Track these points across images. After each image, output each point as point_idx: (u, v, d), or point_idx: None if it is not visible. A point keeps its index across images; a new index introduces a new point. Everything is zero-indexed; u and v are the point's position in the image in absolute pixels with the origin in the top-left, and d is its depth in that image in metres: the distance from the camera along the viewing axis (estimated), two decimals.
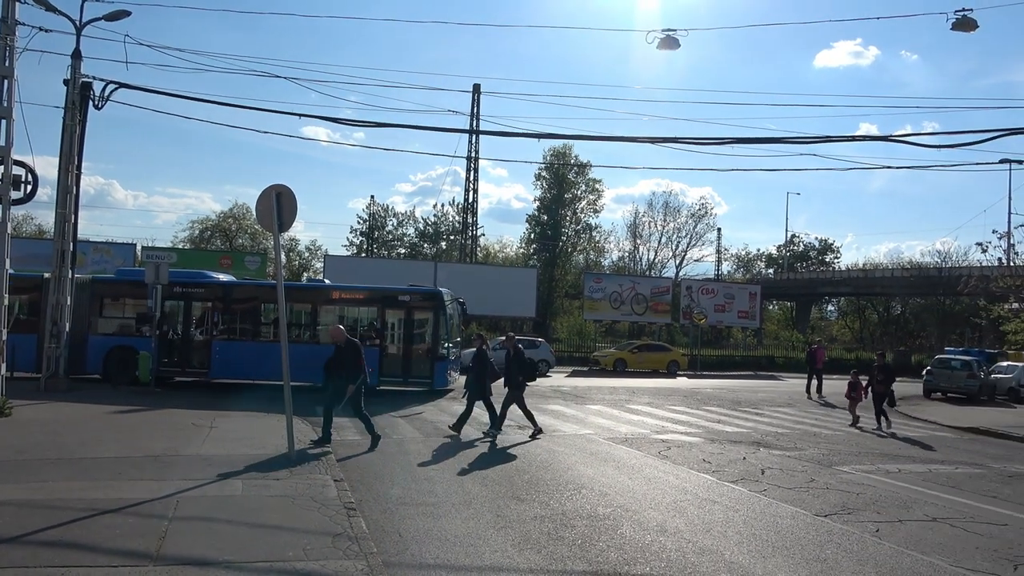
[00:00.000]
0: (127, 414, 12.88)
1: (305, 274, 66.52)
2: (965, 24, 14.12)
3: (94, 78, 16.52)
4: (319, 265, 68.63)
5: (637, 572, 5.71)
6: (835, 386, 28.89)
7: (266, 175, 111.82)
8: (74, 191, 16.63)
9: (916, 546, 6.72)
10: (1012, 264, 34.56)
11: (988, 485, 10.06)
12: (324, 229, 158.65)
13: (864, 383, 16.79)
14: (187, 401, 15.30)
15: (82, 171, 16.85)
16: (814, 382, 24.85)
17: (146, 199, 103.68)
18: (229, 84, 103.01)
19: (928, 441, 14.55)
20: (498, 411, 12.75)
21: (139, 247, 42.42)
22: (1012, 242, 35.29)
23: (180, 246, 58.87)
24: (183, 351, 18.97)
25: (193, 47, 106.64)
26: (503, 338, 14.38)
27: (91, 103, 16.52)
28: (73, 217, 16.65)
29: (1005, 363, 30.38)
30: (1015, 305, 33.33)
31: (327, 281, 20.39)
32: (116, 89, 16.55)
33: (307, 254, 71.15)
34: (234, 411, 13.70)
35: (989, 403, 24.74)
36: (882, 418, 16.08)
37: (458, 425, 12.56)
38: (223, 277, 21.16)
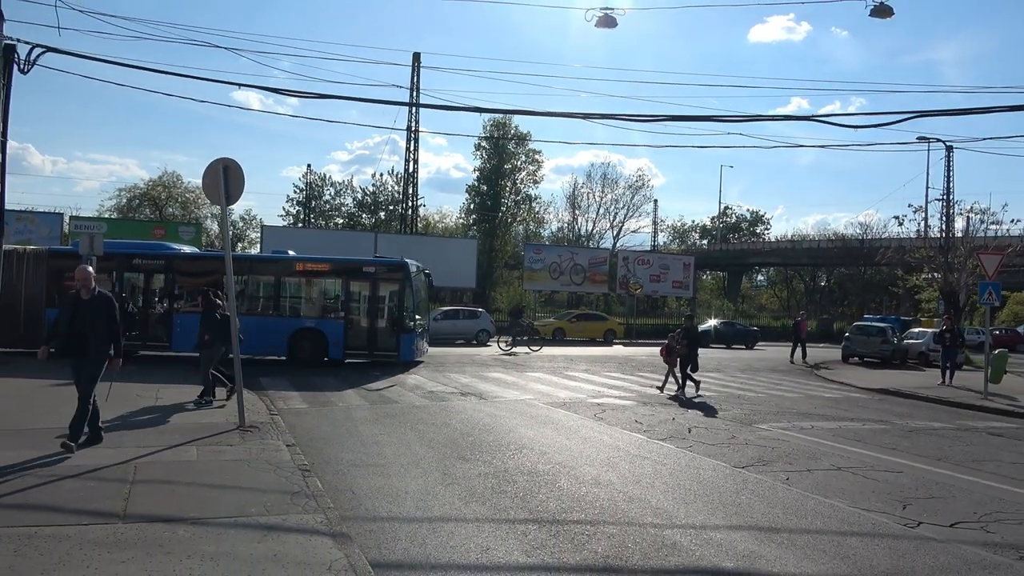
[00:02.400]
0: (70, 386, 12.81)
1: (239, 244, 65.24)
2: (883, 11, 14.99)
3: (19, 40, 16.01)
4: (254, 235, 67.35)
5: (573, 519, 6.29)
6: (752, 355, 30.44)
7: (195, 141, 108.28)
8: (1, 159, 16.16)
9: (821, 491, 7.52)
10: (927, 236, 36.72)
11: (890, 439, 11.08)
12: (258, 199, 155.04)
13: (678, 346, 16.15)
14: (129, 374, 15.23)
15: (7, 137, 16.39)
16: (798, 350, 27.30)
17: (65, 165, 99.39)
18: (160, 50, 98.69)
19: (842, 402, 15.68)
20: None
21: (66, 216, 40.92)
22: (926, 216, 37.47)
23: (107, 215, 56.94)
24: (143, 324, 18.73)
25: (123, 12, 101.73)
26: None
27: (16, 67, 16.02)
28: (1, 186, 16.21)
29: (917, 329, 32.43)
30: (930, 275, 35.46)
31: (291, 252, 20.17)
32: (43, 53, 16.09)
33: (241, 224, 69.71)
34: (177, 383, 13.76)
35: (901, 366, 26.49)
36: (678, 381, 15.80)
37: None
38: (186, 249, 20.93)
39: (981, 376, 17.73)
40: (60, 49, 16.55)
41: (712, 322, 38.34)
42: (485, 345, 29.85)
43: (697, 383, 15.75)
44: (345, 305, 19.06)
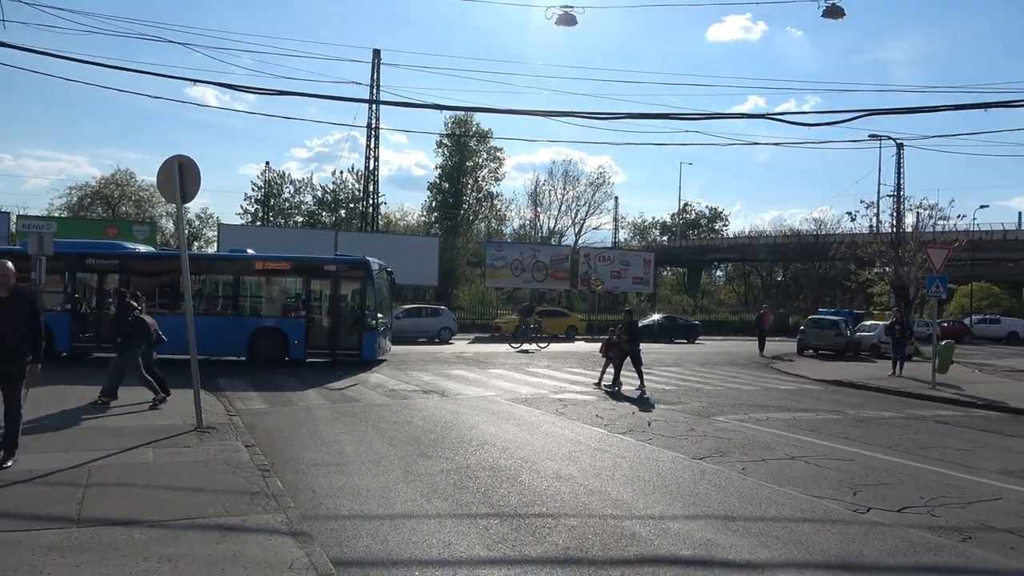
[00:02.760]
0: None
1: (196, 243, 64.00)
2: (834, 12, 15.37)
3: None
4: (211, 234, 66.16)
5: (535, 512, 6.36)
6: (711, 349, 30.95)
7: (149, 139, 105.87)
8: None
9: (775, 480, 7.72)
10: (878, 232, 37.68)
11: (842, 428, 11.39)
12: (215, 196, 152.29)
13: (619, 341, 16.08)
14: (82, 376, 14.91)
15: None
16: (763, 342, 28.54)
17: (12, 162, 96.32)
18: (113, 45, 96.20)
19: (796, 394, 16.06)
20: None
21: (13, 216, 39.70)
22: (878, 212, 38.45)
23: (57, 214, 55.38)
24: (98, 326, 18.27)
25: (74, 5, 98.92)
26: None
27: None
28: None
29: (869, 322, 33.29)
30: (882, 269, 36.40)
31: (250, 251, 19.84)
32: None
33: (198, 223, 68.42)
34: (131, 385, 13.47)
35: (854, 358, 27.16)
36: (613, 374, 15.82)
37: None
38: (141, 248, 20.49)
39: (929, 367, 18.31)
40: (4, 43, 16.17)
41: (655, 317, 38.75)
42: (448, 343, 29.82)
43: (641, 378, 15.55)
44: (306, 304, 18.84)
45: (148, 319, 11.21)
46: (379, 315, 19.21)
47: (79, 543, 4.94)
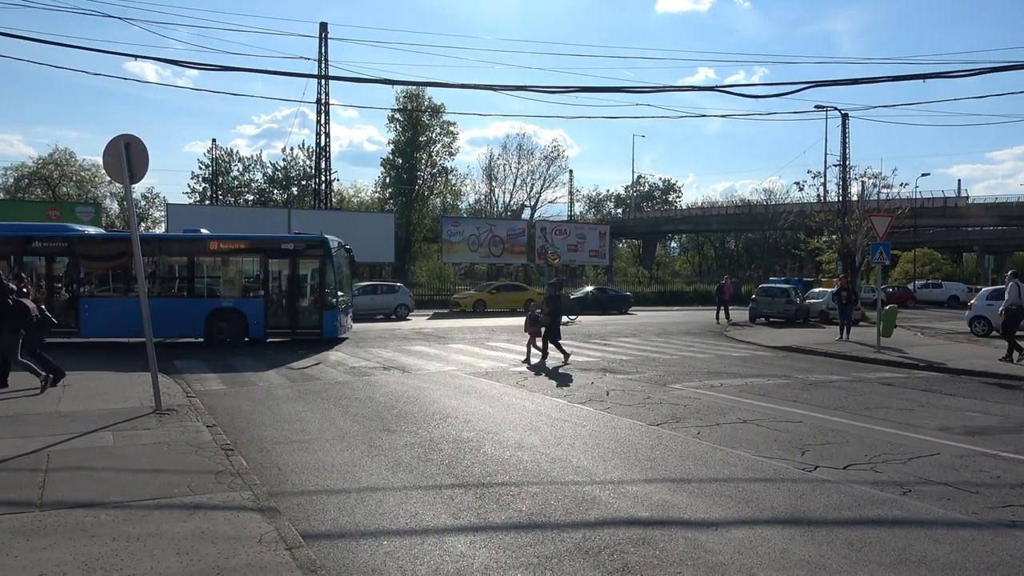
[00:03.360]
0: None
1: (143, 224, 62.33)
2: None
3: None
4: (158, 214, 64.54)
5: (498, 481, 6.52)
6: (668, 318, 31.51)
7: (87, 116, 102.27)
8: None
9: (728, 443, 8.02)
10: (825, 201, 38.66)
11: (792, 392, 11.82)
12: (161, 176, 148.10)
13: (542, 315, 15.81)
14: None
15: None
16: (722, 312, 29.28)
17: None
18: (44, 19, 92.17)
19: (749, 360, 16.54)
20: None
21: None
22: (824, 181, 39.42)
23: None
24: (47, 310, 17.82)
25: None
26: None
27: None
28: None
29: (818, 289, 34.26)
30: (829, 238, 37.41)
31: (204, 231, 19.47)
32: None
33: (144, 203, 66.55)
34: (85, 370, 13.23)
35: (804, 325, 27.98)
36: (540, 351, 15.58)
37: None
38: (91, 230, 19.94)
39: (875, 331, 19.01)
40: None
41: (587, 289, 39.12)
42: (405, 319, 29.78)
43: (566, 354, 15.37)
44: (264, 283, 18.68)
45: (29, 303, 10.84)
46: (339, 293, 19.12)
47: (44, 526, 4.93)
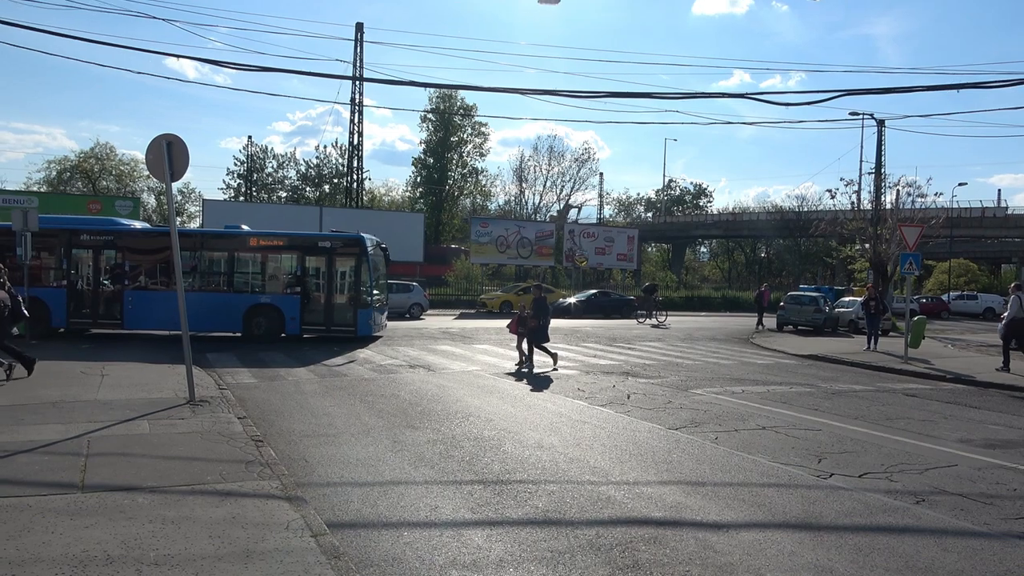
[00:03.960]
0: None
1: (179, 219, 63.62)
2: None
3: None
4: (194, 209, 65.83)
5: (517, 479, 6.71)
6: (695, 323, 31.44)
7: (127, 111, 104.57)
8: None
9: (745, 448, 8.12)
10: (859, 209, 38.21)
11: (814, 400, 11.84)
12: (197, 172, 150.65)
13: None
14: (71, 352, 15.10)
15: None
16: (762, 318, 29.78)
17: None
18: (92, 19, 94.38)
19: (773, 368, 16.52)
20: None
21: None
22: (859, 188, 38.97)
23: (36, 188, 54.85)
24: (94, 302, 18.53)
25: None
26: None
27: None
28: None
29: (847, 298, 33.91)
30: (861, 246, 36.97)
31: (245, 227, 19.91)
32: None
33: (180, 198, 67.92)
34: (123, 360, 13.70)
35: (832, 334, 27.73)
36: (523, 355, 15.27)
37: None
38: (137, 224, 20.53)
39: (903, 341, 18.84)
40: None
41: (590, 292, 38.54)
42: (419, 319, 29.97)
43: (554, 356, 15.25)
44: (301, 280, 18.94)
45: (2, 294, 11.18)
46: (375, 292, 19.35)
47: (86, 507, 5.24)
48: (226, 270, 19.18)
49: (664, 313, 33.01)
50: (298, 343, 18.29)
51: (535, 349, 15.21)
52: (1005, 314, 16.18)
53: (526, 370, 14.57)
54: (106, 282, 18.86)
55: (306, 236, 20.17)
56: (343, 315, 18.91)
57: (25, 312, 11.89)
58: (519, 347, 15.48)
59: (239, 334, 18.63)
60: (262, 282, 19.32)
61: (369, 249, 18.88)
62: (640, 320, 31.64)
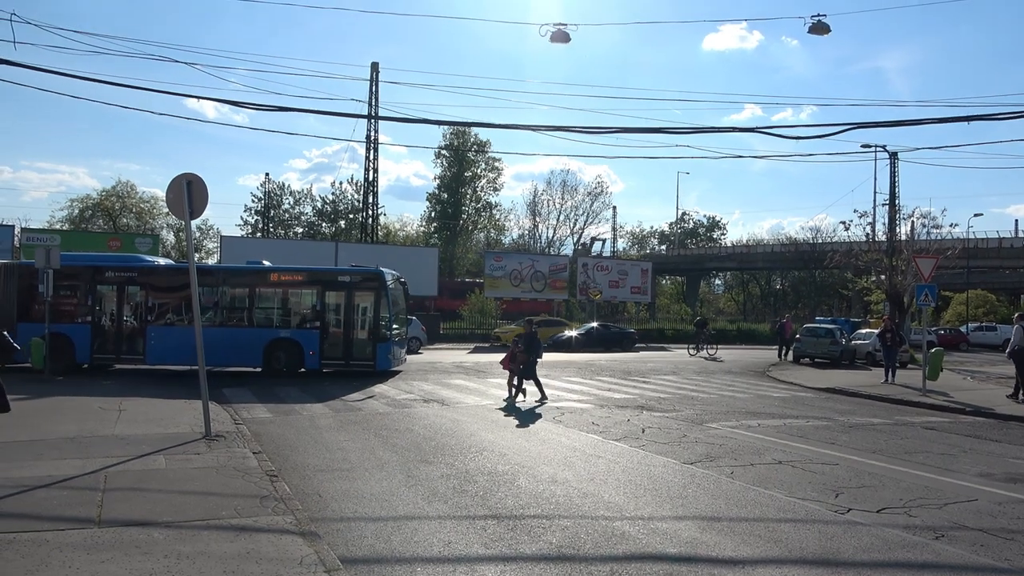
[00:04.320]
0: (29, 401, 12.84)
1: (197, 255, 64.39)
2: (820, 28, 15.78)
3: None
4: (212, 245, 66.58)
5: (531, 514, 6.69)
6: (703, 361, 31.19)
7: (148, 150, 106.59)
8: None
9: (762, 483, 8.05)
10: (874, 240, 38.06)
11: (831, 434, 11.71)
12: (215, 208, 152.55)
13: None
14: (89, 388, 15.25)
15: None
16: (784, 349, 30.50)
17: (11, 174, 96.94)
18: (117, 64, 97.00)
19: (789, 401, 16.37)
20: None
21: (17, 229, 40.09)
22: (873, 220, 38.85)
23: (58, 226, 55.80)
24: (117, 338, 18.75)
25: (63, 15, 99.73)
26: None
27: None
28: None
29: (864, 331, 33.60)
30: (877, 278, 36.76)
31: (266, 263, 20.16)
32: None
33: (199, 235, 68.79)
34: (140, 396, 13.82)
35: (849, 366, 27.46)
36: (512, 389, 15.20)
37: None
38: (161, 261, 20.86)
39: (921, 374, 18.63)
40: (15, 62, 16.59)
41: (591, 324, 37.57)
42: (417, 352, 29.59)
43: (542, 391, 15.22)
44: (320, 315, 19.04)
45: None
46: (395, 326, 19.36)
47: (102, 542, 5.28)
48: (246, 305, 19.33)
49: (715, 346, 33.97)
50: (316, 378, 18.35)
51: (525, 382, 15.20)
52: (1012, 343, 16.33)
53: (518, 402, 14.59)
54: (129, 318, 19.09)
55: (325, 271, 20.35)
56: (362, 349, 18.91)
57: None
58: (510, 382, 15.38)
59: (259, 369, 18.71)
60: (282, 317, 19.44)
61: (388, 283, 18.97)
62: (692, 353, 32.25)
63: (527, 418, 12.64)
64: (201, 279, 19.57)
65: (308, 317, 19.23)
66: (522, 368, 15.09)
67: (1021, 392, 16.04)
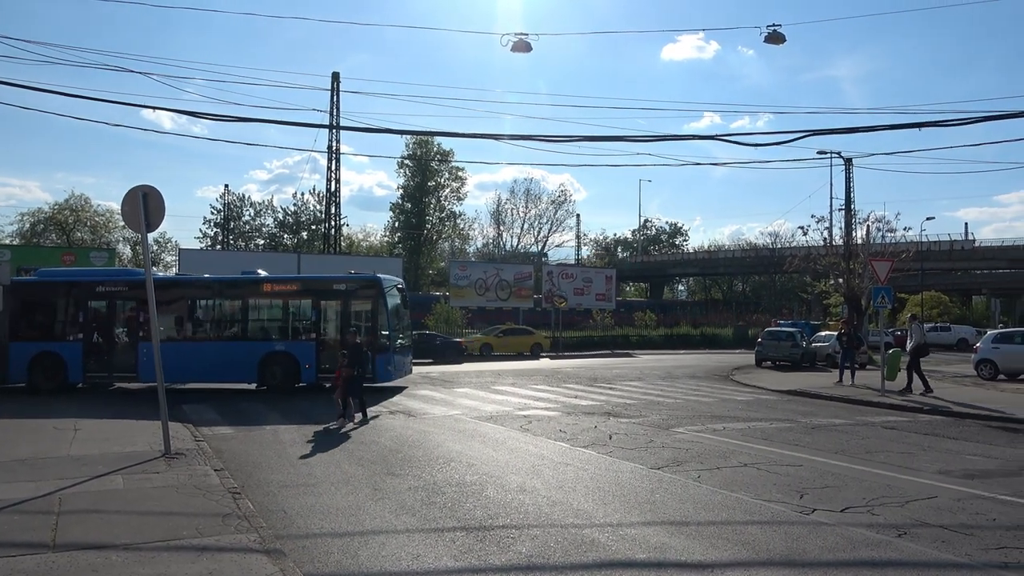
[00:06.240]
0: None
1: (154, 269, 63.06)
2: (775, 38, 16.11)
3: None
4: (170, 259, 65.26)
5: (500, 524, 6.64)
6: (674, 361, 31.44)
7: (104, 162, 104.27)
8: None
9: (728, 486, 8.11)
10: (831, 245, 38.85)
11: (794, 436, 11.87)
12: (173, 221, 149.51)
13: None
14: (43, 407, 14.79)
15: None
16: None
17: None
18: (70, 74, 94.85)
19: (753, 404, 16.57)
20: None
21: None
22: (830, 225, 39.68)
23: (8, 241, 54.21)
24: (109, 355, 18.03)
25: (10, 23, 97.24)
26: None
27: None
28: None
29: (824, 333, 34.25)
30: (835, 281, 37.49)
31: (262, 272, 19.53)
32: None
33: (156, 247, 67.35)
34: (94, 417, 13.39)
35: (810, 369, 27.93)
36: (339, 407, 13.16)
37: None
38: (159, 274, 20.32)
39: (880, 374, 19.02)
40: None
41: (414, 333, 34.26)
42: None
43: (364, 411, 13.29)
44: (316, 326, 18.27)
45: None
46: (398, 335, 18.70)
47: (57, 567, 5.10)
48: (239, 317, 18.61)
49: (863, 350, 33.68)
50: (287, 394, 17.46)
51: (352, 400, 13.16)
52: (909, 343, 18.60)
53: (335, 425, 12.52)
54: (122, 334, 18.39)
55: (321, 279, 19.44)
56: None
57: None
58: (336, 398, 13.32)
59: (254, 385, 17.95)
60: (277, 329, 18.62)
61: (386, 290, 18.10)
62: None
63: (495, 428, 12.58)
64: (192, 291, 19.18)
65: (303, 328, 18.46)
66: (348, 383, 13.06)
67: (910, 383, 17.80)
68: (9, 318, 17.60)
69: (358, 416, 13.18)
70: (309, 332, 18.35)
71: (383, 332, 17.97)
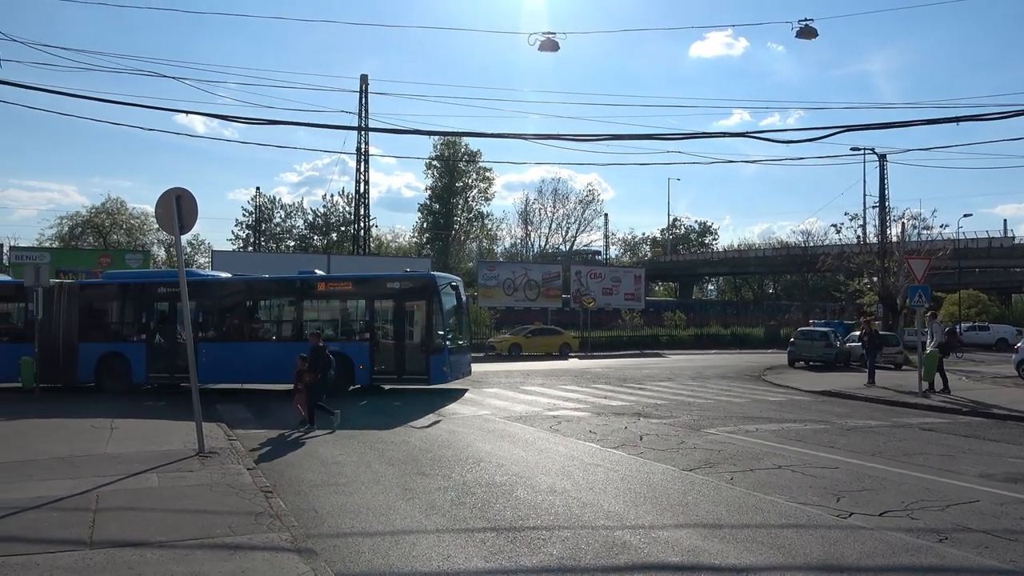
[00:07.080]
0: (18, 421, 12.70)
1: (194, 268, 64.06)
2: (807, 33, 15.85)
3: None
4: (203, 260, 66.24)
5: (530, 525, 6.60)
6: (704, 361, 31.12)
7: (138, 166, 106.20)
8: None
9: (762, 488, 7.98)
10: (865, 243, 38.18)
11: (829, 437, 11.66)
12: (206, 223, 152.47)
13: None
14: (81, 407, 15.10)
15: None
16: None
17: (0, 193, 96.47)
18: (105, 80, 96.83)
19: (786, 405, 16.32)
20: None
21: (6, 247, 39.83)
22: (864, 222, 38.99)
23: (47, 244, 55.46)
24: (171, 356, 17.98)
25: (46, 28, 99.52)
26: None
27: None
28: None
29: (857, 332, 33.64)
30: (869, 280, 36.87)
31: (319, 272, 19.63)
32: None
33: (190, 249, 68.45)
34: (130, 417, 13.59)
35: (844, 369, 27.44)
36: (300, 413, 12.54)
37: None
38: (222, 275, 20.54)
39: (916, 375, 18.61)
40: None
41: None
42: None
43: (312, 422, 12.23)
44: (369, 326, 17.91)
45: None
46: (459, 336, 18.52)
47: (94, 564, 5.17)
48: (292, 318, 18.53)
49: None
50: (337, 397, 16.21)
51: (316, 406, 12.37)
52: (930, 342, 18.66)
53: (300, 432, 11.94)
54: (181, 335, 18.66)
55: (374, 278, 19.22)
56: (415, 362, 17.36)
57: None
58: (296, 404, 12.71)
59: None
60: (330, 329, 18.09)
61: (441, 288, 17.69)
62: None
63: (524, 428, 12.54)
64: (254, 292, 19.28)
65: (357, 328, 18.21)
66: (310, 388, 12.43)
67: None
68: (79, 319, 18.00)
69: (307, 427, 12.15)
70: (363, 332, 17.97)
71: (438, 332, 17.49)
